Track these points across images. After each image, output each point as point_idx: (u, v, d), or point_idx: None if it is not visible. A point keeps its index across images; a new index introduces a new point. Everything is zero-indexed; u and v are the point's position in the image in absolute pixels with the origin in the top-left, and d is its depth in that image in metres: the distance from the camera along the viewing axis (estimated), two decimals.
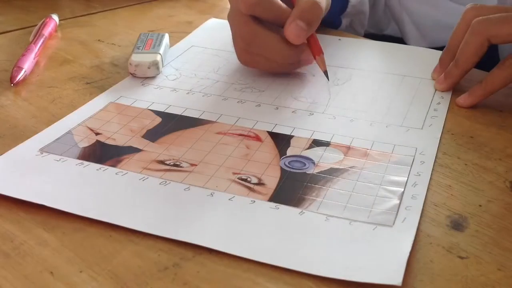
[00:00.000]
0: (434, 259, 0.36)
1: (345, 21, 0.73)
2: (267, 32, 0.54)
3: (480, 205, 0.41)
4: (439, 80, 0.57)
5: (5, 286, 0.34)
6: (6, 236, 0.37)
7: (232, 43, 0.58)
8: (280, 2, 0.54)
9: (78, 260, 0.35)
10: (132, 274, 0.34)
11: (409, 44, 0.78)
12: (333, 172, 0.44)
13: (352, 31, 0.75)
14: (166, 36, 0.63)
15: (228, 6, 0.59)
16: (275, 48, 0.55)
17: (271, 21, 0.55)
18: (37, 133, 0.48)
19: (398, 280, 0.34)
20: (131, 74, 0.58)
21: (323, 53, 0.56)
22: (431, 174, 0.44)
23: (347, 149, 0.47)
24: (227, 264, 0.35)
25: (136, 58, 0.58)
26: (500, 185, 0.43)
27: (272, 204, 0.40)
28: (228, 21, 0.58)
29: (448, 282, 0.34)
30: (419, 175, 0.43)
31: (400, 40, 0.82)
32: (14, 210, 0.39)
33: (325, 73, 0.57)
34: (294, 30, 0.53)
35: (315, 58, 0.57)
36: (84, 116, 0.51)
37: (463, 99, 0.54)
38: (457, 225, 0.39)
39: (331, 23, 0.71)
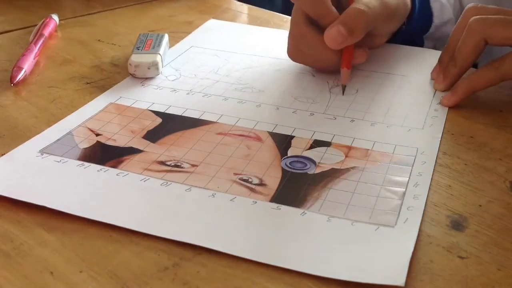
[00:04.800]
0: (434, 259, 0.36)
1: (428, 43, 0.70)
2: (315, 33, 0.55)
3: (480, 205, 0.41)
4: (438, 80, 0.57)
5: (5, 286, 0.34)
6: (6, 236, 0.37)
7: (233, 43, 0.58)
8: (330, 3, 0.55)
9: (78, 260, 0.35)
10: (132, 274, 0.34)
11: None
12: (334, 173, 0.44)
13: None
14: (166, 36, 0.63)
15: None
16: (320, 49, 0.55)
17: (317, 18, 0.55)
18: (37, 133, 0.48)
19: (401, 280, 0.34)
20: (131, 74, 0.58)
21: (350, 69, 0.56)
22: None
23: (348, 150, 0.47)
24: (227, 264, 0.35)
25: (135, 58, 0.57)
26: (500, 185, 0.43)
27: (274, 205, 0.40)
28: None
29: (448, 282, 0.34)
30: (421, 175, 0.43)
31: None
32: (14, 210, 0.39)
33: (343, 87, 0.56)
34: (332, 34, 0.53)
35: (341, 69, 0.56)
36: (84, 117, 0.50)
37: (446, 99, 0.54)
38: (457, 225, 0.39)
39: (412, 42, 0.69)
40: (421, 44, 0.69)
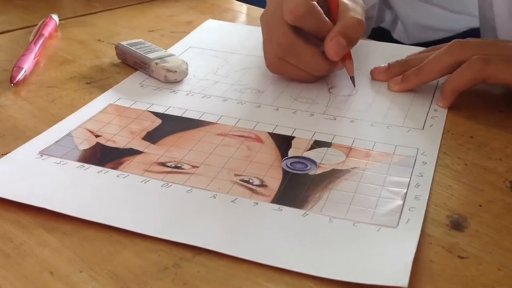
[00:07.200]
0: (434, 259, 0.36)
1: None
2: (305, 44, 0.54)
3: (480, 205, 0.41)
4: (395, 81, 0.57)
5: (5, 286, 0.34)
6: (6, 236, 0.37)
7: (232, 44, 0.57)
8: (324, 15, 0.54)
9: (78, 260, 0.35)
10: (132, 274, 0.34)
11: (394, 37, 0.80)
12: (335, 173, 0.44)
13: None
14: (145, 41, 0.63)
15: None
16: (311, 61, 0.55)
17: (312, 33, 0.54)
18: (37, 133, 0.48)
19: (404, 281, 0.33)
20: (163, 81, 0.57)
21: (352, 59, 0.57)
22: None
23: (348, 150, 0.47)
24: (227, 264, 0.35)
25: (167, 64, 0.57)
26: (500, 185, 0.43)
27: (275, 206, 0.40)
28: (262, 22, 0.57)
29: (448, 282, 0.34)
30: (422, 175, 0.43)
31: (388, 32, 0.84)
32: (14, 210, 0.39)
33: (352, 78, 0.57)
34: (334, 47, 0.53)
35: (343, 62, 0.57)
36: (83, 118, 0.50)
37: (440, 102, 0.54)
38: (457, 225, 0.39)
39: None
40: None
